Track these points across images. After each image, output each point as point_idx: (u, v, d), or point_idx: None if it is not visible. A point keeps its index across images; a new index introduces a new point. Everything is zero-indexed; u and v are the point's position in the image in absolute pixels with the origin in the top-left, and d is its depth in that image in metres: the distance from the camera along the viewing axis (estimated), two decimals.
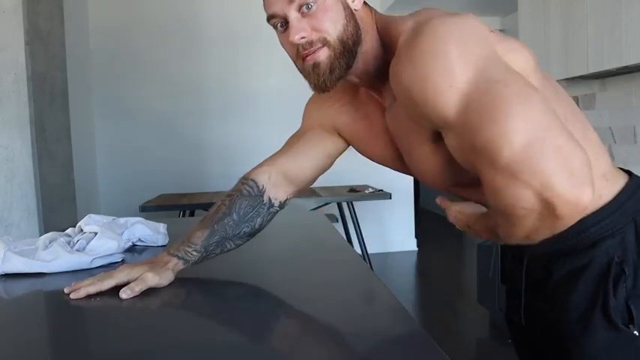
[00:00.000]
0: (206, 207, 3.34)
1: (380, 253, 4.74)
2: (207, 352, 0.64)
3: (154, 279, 0.86)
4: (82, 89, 4.09)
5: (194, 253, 0.92)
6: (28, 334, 0.72)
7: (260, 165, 1.03)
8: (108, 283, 0.85)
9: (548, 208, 0.61)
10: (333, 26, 0.80)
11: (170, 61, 4.51)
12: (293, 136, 1.07)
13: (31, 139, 2.55)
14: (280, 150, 1.05)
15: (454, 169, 0.78)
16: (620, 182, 0.82)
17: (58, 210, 2.78)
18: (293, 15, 0.80)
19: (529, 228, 0.65)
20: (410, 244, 5.03)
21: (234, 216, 0.95)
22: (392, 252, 4.90)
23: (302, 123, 1.06)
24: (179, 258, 0.91)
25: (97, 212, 1.74)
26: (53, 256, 1.00)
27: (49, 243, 1.06)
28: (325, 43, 0.80)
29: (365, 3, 0.86)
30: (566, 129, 0.62)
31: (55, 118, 2.83)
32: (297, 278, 0.89)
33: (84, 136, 4.11)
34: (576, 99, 3.33)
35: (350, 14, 0.81)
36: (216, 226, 0.94)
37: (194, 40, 4.53)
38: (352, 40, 0.81)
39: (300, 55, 0.82)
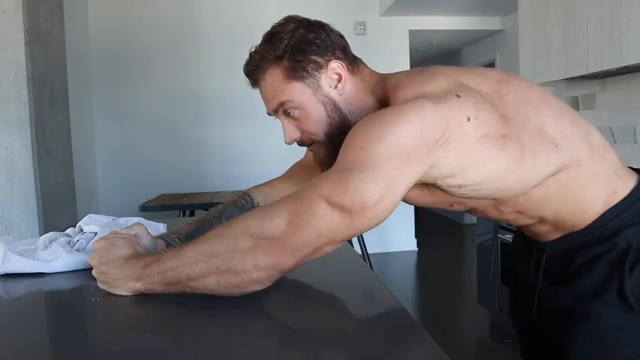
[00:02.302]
0: (206, 207, 3.34)
1: (380, 253, 4.74)
2: (208, 352, 0.64)
3: (143, 229, 0.92)
4: (82, 89, 4.09)
5: (177, 240, 0.99)
6: (28, 334, 0.72)
7: (260, 185, 1.11)
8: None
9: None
10: (317, 127, 0.86)
11: (170, 63, 4.51)
12: (297, 164, 1.14)
13: (31, 139, 2.55)
14: (283, 176, 1.13)
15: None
16: (632, 178, 0.86)
17: (58, 210, 2.78)
18: (283, 121, 0.89)
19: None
20: (410, 244, 5.03)
21: (223, 220, 1.03)
22: (392, 252, 4.90)
23: (306, 151, 1.09)
24: (164, 240, 0.98)
25: (97, 212, 1.74)
26: (53, 256, 1.00)
27: (49, 243, 1.06)
28: (315, 141, 0.88)
29: (355, 69, 0.88)
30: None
31: (55, 118, 2.84)
32: (297, 278, 0.90)
33: (84, 136, 4.11)
34: (576, 99, 3.33)
35: (332, 107, 0.86)
36: (203, 224, 1.03)
37: (193, 41, 4.53)
38: (340, 129, 0.85)
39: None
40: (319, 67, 0.85)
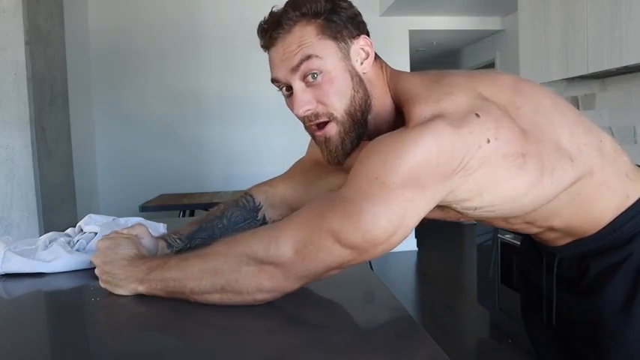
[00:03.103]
0: (206, 207, 3.34)
1: None
2: (207, 352, 0.64)
3: (144, 229, 0.92)
4: (82, 89, 4.09)
5: (178, 241, 0.98)
6: (28, 334, 0.72)
7: (261, 183, 1.09)
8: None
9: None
10: (339, 99, 0.77)
11: (170, 63, 4.51)
12: (298, 163, 1.09)
13: (31, 139, 2.55)
14: (283, 175, 1.09)
15: None
16: None
17: (58, 210, 2.78)
18: (297, 85, 0.78)
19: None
20: (410, 244, 5.03)
21: (225, 221, 1.02)
22: (392, 252, 4.86)
23: (307, 150, 1.08)
24: (165, 241, 0.97)
25: (97, 212, 1.74)
26: (53, 256, 1.00)
27: (49, 243, 1.06)
28: (333, 118, 0.78)
29: (376, 58, 0.82)
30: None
31: (55, 118, 2.83)
32: None
33: (84, 136, 4.11)
34: (576, 99, 3.33)
35: (358, 81, 0.79)
36: (204, 224, 1.02)
37: (193, 41, 4.53)
38: (361, 110, 0.79)
39: (307, 124, 0.81)
40: (352, 36, 0.79)
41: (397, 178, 0.67)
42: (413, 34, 4.93)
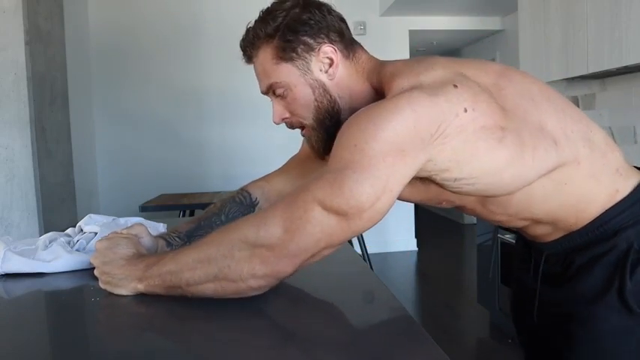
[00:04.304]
0: (206, 207, 3.34)
1: (380, 253, 4.74)
2: (208, 352, 0.64)
3: (143, 229, 0.92)
4: (82, 89, 4.09)
5: (177, 239, 0.98)
6: (28, 334, 0.72)
7: (257, 180, 1.10)
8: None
9: None
10: (305, 110, 0.85)
11: (170, 63, 4.51)
12: (293, 158, 1.13)
13: (31, 139, 2.55)
14: (279, 169, 1.12)
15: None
16: (635, 177, 0.83)
17: (58, 210, 2.78)
18: (272, 99, 0.88)
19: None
20: (410, 244, 5.03)
21: (223, 217, 1.03)
22: (392, 252, 4.90)
23: (302, 144, 1.09)
24: (165, 239, 0.97)
25: (97, 212, 1.74)
26: (53, 256, 1.00)
27: (49, 243, 1.06)
28: (305, 124, 0.87)
29: (352, 55, 0.86)
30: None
31: (55, 118, 2.83)
32: (296, 278, 0.89)
33: (84, 136, 4.11)
34: (576, 99, 3.33)
35: (322, 91, 0.84)
36: (202, 222, 1.03)
37: (194, 41, 4.53)
38: (329, 115, 0.85)
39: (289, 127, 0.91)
40: (310, 49, 0.83)
41: (376, 144, 0.69)
42: (413, 34, 4.93)
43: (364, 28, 4.67)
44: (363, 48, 0.90)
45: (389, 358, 0.60)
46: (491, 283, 2.78)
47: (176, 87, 4.52)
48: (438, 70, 0.76)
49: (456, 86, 0.72)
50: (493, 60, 5.43)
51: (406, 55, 4.87)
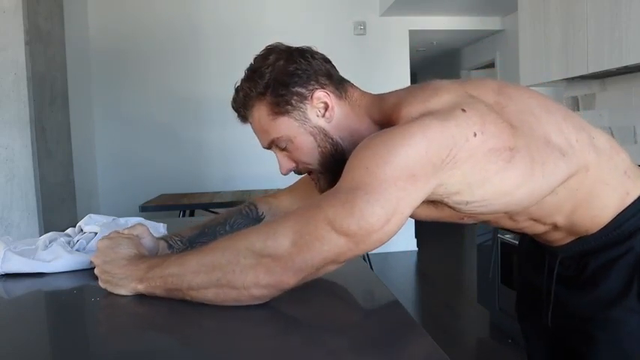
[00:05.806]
0: (206, 207, 3.34)
1: (380, 253, 4.74)
2: (208, 352, 0.64)
3: (145, 229, 0.92)
4: (82, 89, 4.09)
5: (179, 242, 0.99)
6: (28, 334, 0.72)
7: (266, 195, 1.12)
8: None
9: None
10: (309, 158, 0.87)
11: (170, 62, 4.51)
12: (302, 178, 1.11)
13: (31, 139, 2.55)
14: (288, 188, 1.13)
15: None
16: None
17: (58, 210, 2.78)
18: (277, 152, 0.89)
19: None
20: (410, 244, 5.03)
21: (227, 227, 1.03)
22: (392, 252, 4.90)
23: None
24: (166, 242, 0.97)
25: (97, 212, 1.74)
26: (53, 256, 1.00)
27: (49, 243, 1.06)
28: (311, 170, 0.89)
29: (344, 95, 0.87)
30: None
31: (55, 118, 2.84)
32: None
33: (84, 136, 4.11)
34: (576, 99, 3.33)
35: (323, 136, 0.85)
36: (207, 229, 1.03)
37: (193, 41, 4.53)
38: (333, 157, 0.86)
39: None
40: (304, 98, 0.84)
41: (388, 168, 0.69)
42: (413, 34, 4.93)
43: (364, 28, 4.67)
44: (352, 84, 0.90)
45: (389, 358, 0.60)
46: (491, 283, 2.78)
47: (176, 86, 4.52)
48: (444, 96, 0.77)
49: (464, 110, 0.73)
50: (493, 60, 5.43)
51: (406, 55, 4.87)
